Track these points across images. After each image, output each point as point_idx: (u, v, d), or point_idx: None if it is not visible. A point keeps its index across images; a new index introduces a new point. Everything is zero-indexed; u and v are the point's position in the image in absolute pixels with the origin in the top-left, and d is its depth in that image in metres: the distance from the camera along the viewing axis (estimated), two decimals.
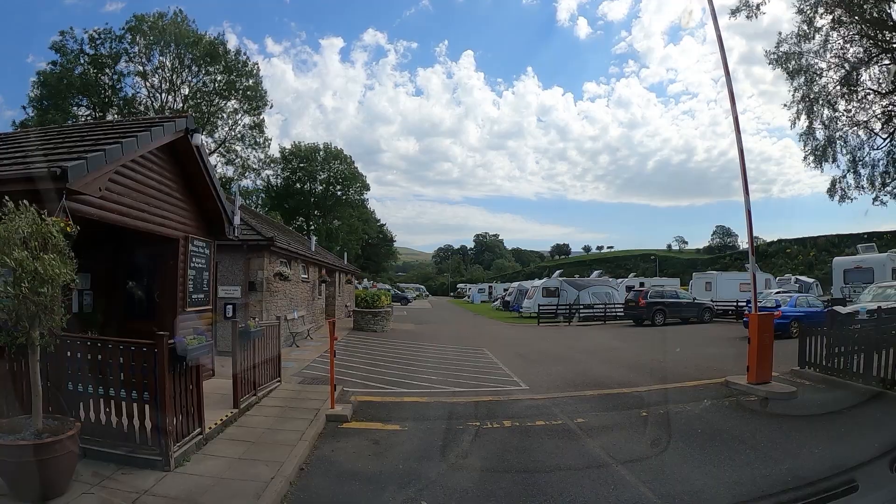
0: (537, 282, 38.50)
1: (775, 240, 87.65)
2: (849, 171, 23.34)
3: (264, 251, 15.31)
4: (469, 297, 69.52)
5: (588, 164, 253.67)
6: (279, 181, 69.50)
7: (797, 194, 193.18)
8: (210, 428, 6.89)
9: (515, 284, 45.13)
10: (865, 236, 41.63)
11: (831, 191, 24.12)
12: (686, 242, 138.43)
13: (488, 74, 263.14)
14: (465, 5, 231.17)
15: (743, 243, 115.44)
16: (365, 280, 61.21)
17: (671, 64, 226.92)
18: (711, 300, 29.37)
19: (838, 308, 14.92)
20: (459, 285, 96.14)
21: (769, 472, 5.70)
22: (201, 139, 9.95)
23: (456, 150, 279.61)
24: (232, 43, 47.16)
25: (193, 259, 10.46)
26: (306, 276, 20.78)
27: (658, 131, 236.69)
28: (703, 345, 18.09)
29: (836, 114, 22.24)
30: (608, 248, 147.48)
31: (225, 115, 50.22)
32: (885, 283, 18.24)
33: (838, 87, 21.33)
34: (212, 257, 11.34)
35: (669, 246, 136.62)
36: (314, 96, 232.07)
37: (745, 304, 24.94)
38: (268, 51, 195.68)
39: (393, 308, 29.76)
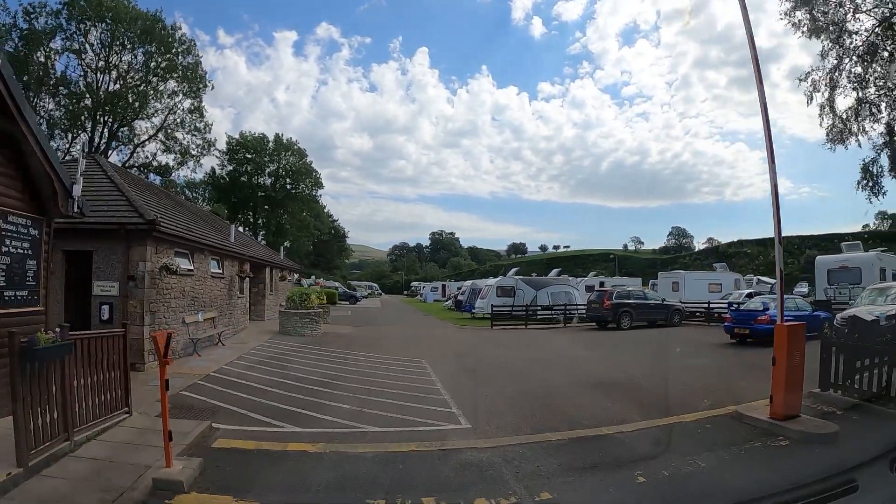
0: (491, 280, 35.67)
1: (735, 240, 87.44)
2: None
3: (147, 238, 11.99)
4: (422, 296, 66.53)
5: (542, 163, 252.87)
6: (225, 173, 65.35)
7: (749, 197, 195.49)
8: None
9: (468, 283, 42.10)
10: (849, 237, 40.16)
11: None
12: (642, 243, 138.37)
13: (442, 72, 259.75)
14: (419, 1, 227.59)
15: (699, 244, 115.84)
16: (312, 277, 57.98)
17: (625, 66, 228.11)
18: (680, 301, 27.05)
19: (859, 313, 12.43)
20: (413, 283, 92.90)
21: None
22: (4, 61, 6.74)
23: (410, 148, 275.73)
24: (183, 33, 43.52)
25: (7, 242, 7.23)
26: (220, 271, 17.41)
27: (612, 133, 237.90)
28: (683, 354, 15.56)
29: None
30: (564, 247, 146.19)
31: (164, 98, 46.40)
32: (884, 284, 15.97)
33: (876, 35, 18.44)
34: (43, 241, 8.12)
35: (626, 246, 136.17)
36: (267, 90, 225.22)
37: (726, 304, 22.84)
38: (220, 42, 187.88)
39: (330, 309, 26.61)
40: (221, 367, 12.34)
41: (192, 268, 14.65)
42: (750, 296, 28.45)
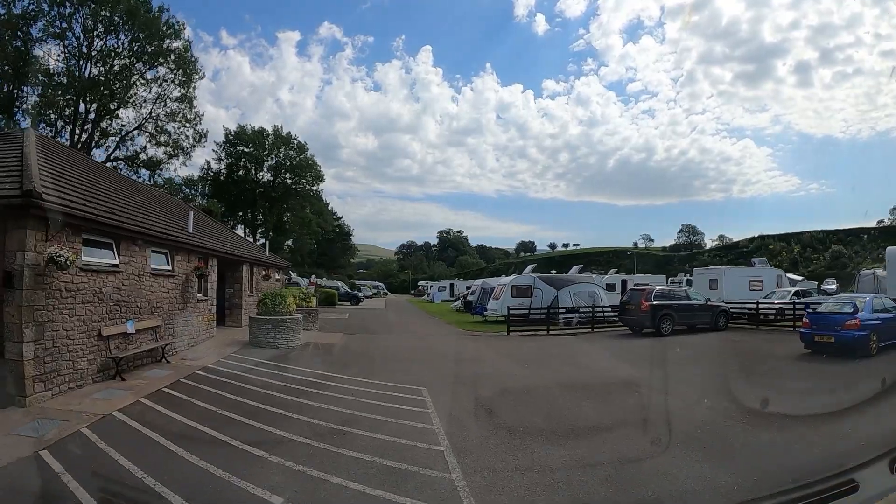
0: (505, 279, 31.79)
1: (756, 235, 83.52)
2: None
3: (25, 217, 8.41)
4: (429, 296, 62.95)
5: (548, 161, 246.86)
6: (222, 167, 62.19)
7: (757, 194, 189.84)
8: None
9: (479, 282, 38.30)
10: (874, 231, 36.38)
11: None
12: (652, 240, 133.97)
13: (446, 70, 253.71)
14: (421, 0, 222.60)
15: (710, 241, 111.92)
16: (313, 276, 54.68)
17: (630, 63, 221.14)
18: (722, 300, 23.28)
19: None
20: (420, 283, 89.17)
21: None
22: None
23: (415, 147, 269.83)
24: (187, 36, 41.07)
25: None
26: (168, 268, 13.83)
27: (618, 130, 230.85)
28: (766, 373, 12.00)
29: None
30: (574, 245, 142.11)
31: (151, 86, 43.15)
32: None
33: None
34: None
35: (636, 243, 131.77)
36: (271, 90, 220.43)
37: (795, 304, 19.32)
38: (223, 43, 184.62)
39: (319, 313, 22.98)
40: (137, 402, 8.81)
41: (116, 262, 11.02)
42: (797, 294, 24.85)
